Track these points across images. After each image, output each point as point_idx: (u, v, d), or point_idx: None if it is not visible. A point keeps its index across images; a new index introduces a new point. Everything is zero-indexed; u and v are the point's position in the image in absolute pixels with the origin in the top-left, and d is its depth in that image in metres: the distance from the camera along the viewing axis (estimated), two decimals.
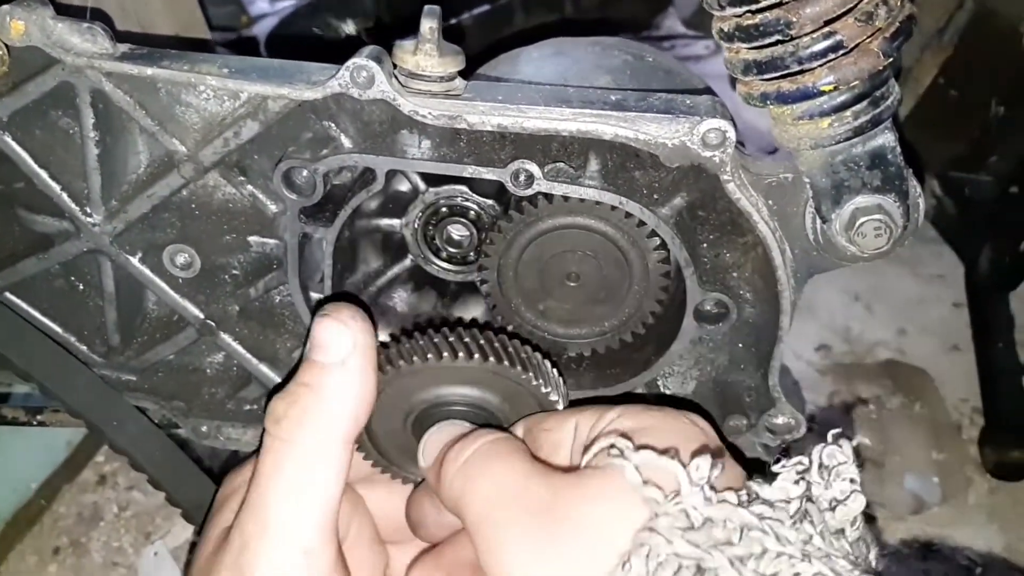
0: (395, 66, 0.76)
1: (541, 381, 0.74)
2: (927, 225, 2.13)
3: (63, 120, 0.83)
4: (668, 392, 0.94)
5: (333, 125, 0.81)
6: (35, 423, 1.04)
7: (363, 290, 0.95)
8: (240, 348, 0.91)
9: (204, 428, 0.95)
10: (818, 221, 0.75)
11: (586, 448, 0.61)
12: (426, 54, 0.75)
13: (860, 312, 1.98)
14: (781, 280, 0.79)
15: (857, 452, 0.55)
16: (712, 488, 0.54)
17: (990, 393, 1.72)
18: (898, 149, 0.71)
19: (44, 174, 0.83)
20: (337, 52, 0.80)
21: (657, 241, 0.84)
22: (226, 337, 0.91)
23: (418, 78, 0.76)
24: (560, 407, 0.75)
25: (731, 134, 0.72)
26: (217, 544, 0.66)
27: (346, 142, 0.82)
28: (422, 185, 0.90)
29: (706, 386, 0.93)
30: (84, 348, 0.93)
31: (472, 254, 0.94)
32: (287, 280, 0.87)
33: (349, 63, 0.74)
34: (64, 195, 0.84)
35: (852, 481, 0.54)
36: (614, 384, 0.92)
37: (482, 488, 0.61)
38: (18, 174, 0.84)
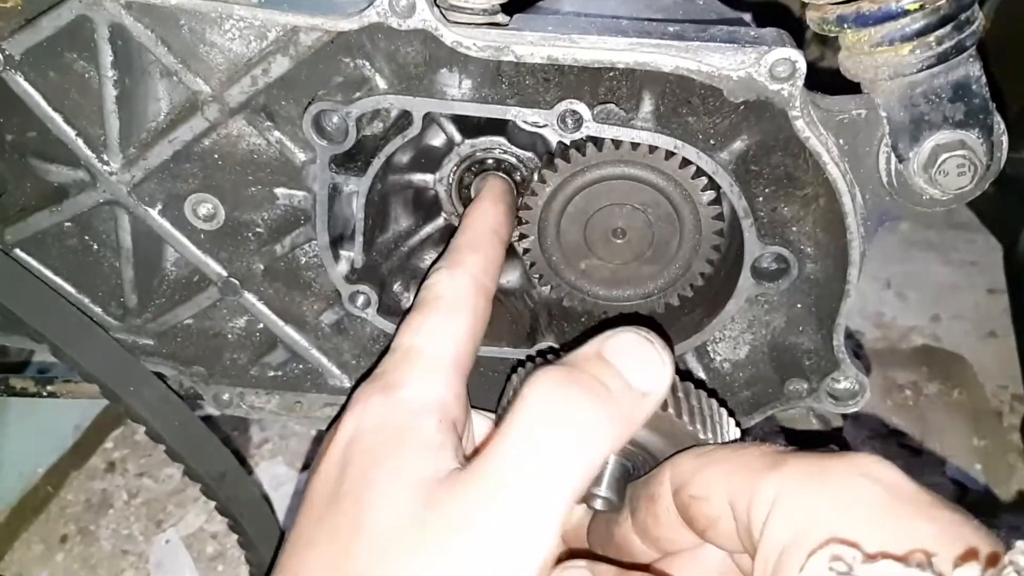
0: None
1: (707, 431, 0.65)
2: (959, 210, 2.08)
3: (78, 63, 0.79)
4: (724, 361, 0.89)
5: (367, 64, 0.76)
6: (45, 394, 0.99)
7: (394, 250, 0.90)
8: (265, 309, 0.86)
9: (226, 396, 0.90)
10: (893, 161, 0.70)
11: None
12: None
13: (892, 298, 1.92)
14: (851, 228, 0.73)
15: None
16: None
17: None
18: (984, 80, 0.66)
19: (58, 118, 0.78)
20: None
21: (712, 195, 0.78)
22: (250, 297, 0.85)
23: (459, 10, 0.72)
24: None
25: (801, 65, 0.67)
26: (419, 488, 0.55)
27: (381, 83, 0.77)
28: (458, 136, 0.85)
29: (760, 351, 0.87)
30: (99, 310, 0.88)
31: None
32: (315, 236, 0.82)
33: None
34: (79, 141, 0.79)
35: None
36: None
37: None
38: (31, 121, 0.79)
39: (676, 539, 0.60)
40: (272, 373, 0.90)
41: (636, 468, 0.66)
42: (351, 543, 0.54)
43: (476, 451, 0.58)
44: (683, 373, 0.67)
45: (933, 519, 0.46)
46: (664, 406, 0.61)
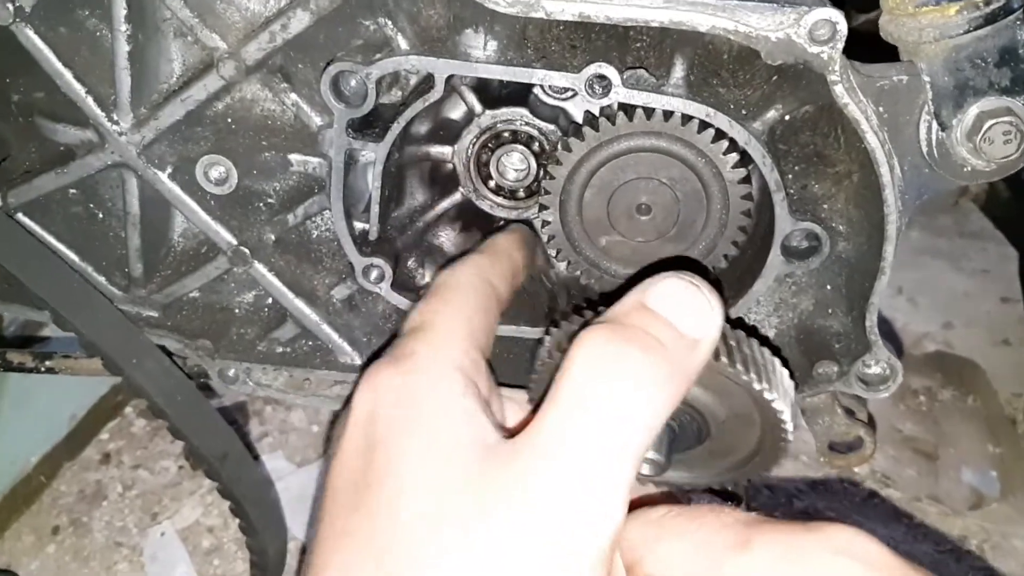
0: None
1: (761, 381, 0.58)
2: (970, 219, 2.06)
3: (90, 20, 0.77)
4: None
5: (389, 23, 0.73)
6: (43, 369, 0.96)
7: (409, 225, 0.87)
8: (276, 281, 0.83)
9: (232, 371, 0.86)
10: (935, 130, 0.67)
11: None
12: None
13: (904, 305, 1.90)
14: (888, 201, 0.70)
15: None
16: None
17: None
18: None
19: (68, 74, 0.75)
20: None
21: (742, 172, 0.76)
22: (261, 267, 0.82)
23: None
24: (784, 414, 0.59)
25: (842, 27, 0.64)
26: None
27: (403, 44, 0.74)
28: (478, 107, 0.82)
29: (787, 335, 0.84)
30: (103, 279, 0.85)
31: (525, 189, 0.86)
32: (328, 206, 0.79)
33: None
34: (89, 99, 0.76)
35: None
36: None
37: None
38: (39, 78, 0.77)
39: None
40: (281, 349, 0.87)
41: (683, 428, 0.61)
42: (391, 523, 0.49)
43: (518, 428, 0.53)
44: (733, 321, 0.62)
45: None
46: (715, 355, 0.56)
